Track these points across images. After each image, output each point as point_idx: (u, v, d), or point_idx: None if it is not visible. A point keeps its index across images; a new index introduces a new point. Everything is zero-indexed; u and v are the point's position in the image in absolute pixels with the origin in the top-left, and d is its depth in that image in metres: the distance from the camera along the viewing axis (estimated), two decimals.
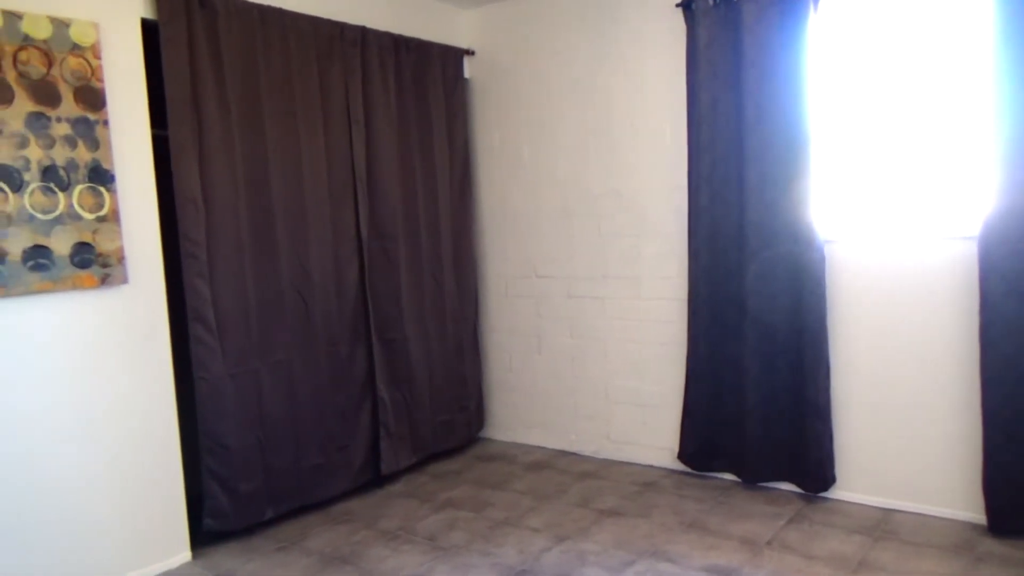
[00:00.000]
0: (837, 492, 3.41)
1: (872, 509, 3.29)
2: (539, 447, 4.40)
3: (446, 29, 4.32)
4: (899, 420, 3.24)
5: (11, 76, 2.52)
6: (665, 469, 3.91)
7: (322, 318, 3.57)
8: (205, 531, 3.15)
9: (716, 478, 3.75)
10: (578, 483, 3.80)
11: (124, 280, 2.84)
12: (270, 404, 3.35)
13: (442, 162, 4.19)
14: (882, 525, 3.14)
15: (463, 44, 4.39)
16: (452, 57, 4.28)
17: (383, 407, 3.83)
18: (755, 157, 3.38)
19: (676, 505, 3.45)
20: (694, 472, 3.81)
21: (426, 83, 4.09)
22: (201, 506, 3.14)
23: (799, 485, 3.49)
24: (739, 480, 3.68)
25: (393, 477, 3.94)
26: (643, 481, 3.78)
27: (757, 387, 3.48)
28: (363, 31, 3.70)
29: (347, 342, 3.69)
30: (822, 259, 3.29)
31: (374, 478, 3.83)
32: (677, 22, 3.62)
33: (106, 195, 2.77)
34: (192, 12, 3.03)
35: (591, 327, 4.15)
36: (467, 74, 4.43)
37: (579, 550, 3.04)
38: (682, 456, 3.80)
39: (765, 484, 3.60)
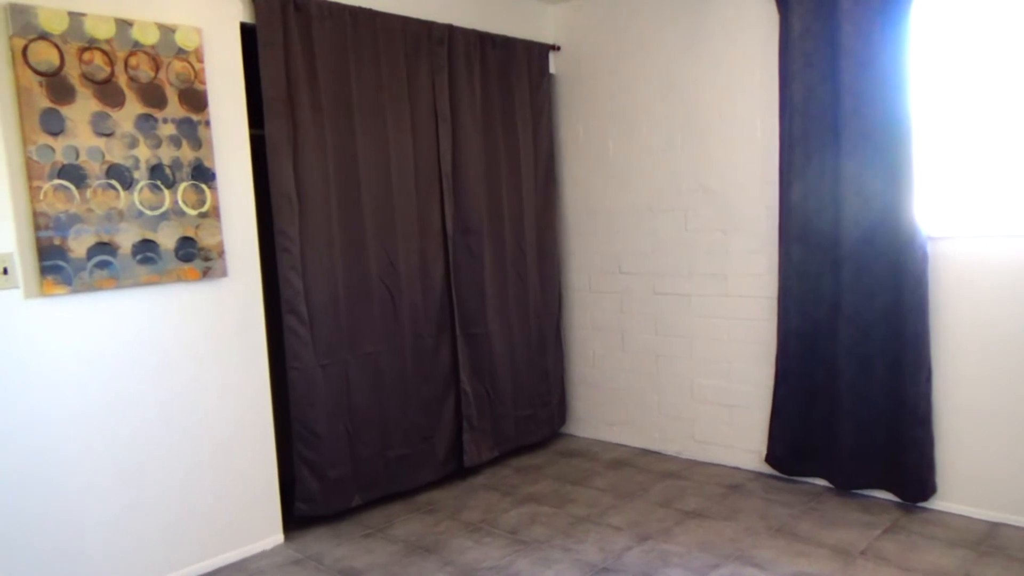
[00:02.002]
0: (938, 502, 3.24)
1: (977, 522, 3.11)
2: (621, 444, 4.37)
3: (532, 25, 4.32)
4: (1008, 428, 3.04)
5: (123, 80, 2.68)
6: (752, 472, 3.81)
7: (408, 311, 3.64)
8: (296, 515, 3.28)
9: (806, 483, 3.62)
10: (660, 482, 3.75)
11: (224, 273, 2.98)
12: (358, 394, 3.45)
13: (527, 158, 4.21)
14: (988, 539, 2.96)
15: (549, 40, 4.39)
16: (537, 53, 4.28)
17: (466, 400, 3.88)
18: (852, 149, 3.24)
19: (763, 509, 3.36)
20: (782, 476, 3.69)
21: (511, 79, 4.11)
22: (292, 491, 3.27)
23: (896, 493, 3.33)
24: (831, 486, 3.54)
25: (476, 469, 4.00)
26: (728, 483, 3.69)
27: (852, 389, 3.34)
28: (450, 29, 3.75)
29: (432, 335, 3.76)
30: (924, 256, 3.13)
31: (457, 470, 3.90)
32: (768, 11, 3.51)
33: (208, 192, 2.92)
34: (288, 15, 3.14)
35: (676, 324, 4.08)
36: (552, 69, 4.43)
37: (661, 551, 3.00)
38: (770, 459, 3.69)
39: (859, 491, 3.45)
